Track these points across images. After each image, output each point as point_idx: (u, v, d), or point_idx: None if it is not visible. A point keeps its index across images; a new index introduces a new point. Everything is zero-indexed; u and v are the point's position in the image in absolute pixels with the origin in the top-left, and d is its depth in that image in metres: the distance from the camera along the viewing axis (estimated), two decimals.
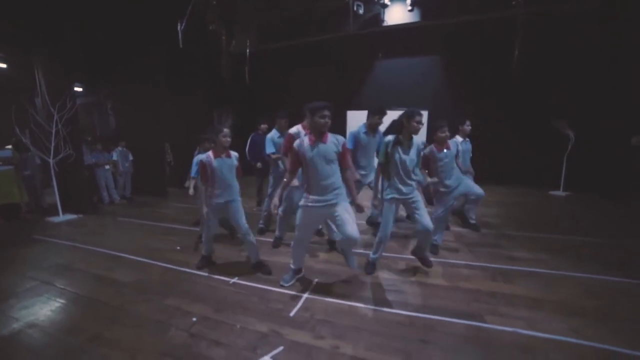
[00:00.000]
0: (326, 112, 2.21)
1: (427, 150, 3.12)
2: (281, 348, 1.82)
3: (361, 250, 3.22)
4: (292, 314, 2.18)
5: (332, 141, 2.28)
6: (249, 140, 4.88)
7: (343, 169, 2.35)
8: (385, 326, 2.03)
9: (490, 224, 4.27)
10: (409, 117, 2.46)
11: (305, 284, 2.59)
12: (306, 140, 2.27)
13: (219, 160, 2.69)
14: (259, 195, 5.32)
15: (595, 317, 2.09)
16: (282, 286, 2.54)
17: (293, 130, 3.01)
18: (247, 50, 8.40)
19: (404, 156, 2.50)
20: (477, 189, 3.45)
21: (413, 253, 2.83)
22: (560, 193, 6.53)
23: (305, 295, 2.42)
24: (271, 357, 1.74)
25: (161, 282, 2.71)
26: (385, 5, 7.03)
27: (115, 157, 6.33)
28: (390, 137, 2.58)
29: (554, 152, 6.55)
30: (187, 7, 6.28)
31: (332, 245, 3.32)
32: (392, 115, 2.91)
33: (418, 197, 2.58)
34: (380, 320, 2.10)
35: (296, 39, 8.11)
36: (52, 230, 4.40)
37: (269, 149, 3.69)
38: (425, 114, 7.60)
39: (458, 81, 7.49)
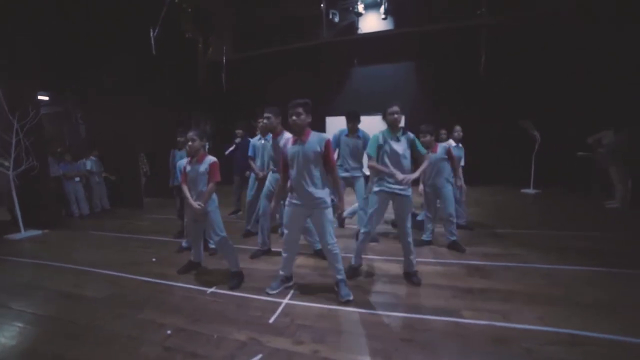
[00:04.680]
0: (295, 110, 2.19)
1: None
2: (260, 356, 1.77)
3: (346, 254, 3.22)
4: (271, 320, 2.14)
5: (314, 141, 2.22)
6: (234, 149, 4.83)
7: (327, 169, 2.29)
8: (366, 327, 2.04)
9: (468, 223, 4.40)
10: (384, 114, 2.56)
11: (285, 290, 2.55)
12: (290, 140, 2.30)
13: (190, 166, 2.68)
14: (236, 204, 5.24)
15: (557, 304, 2.21)
16: (268, 294, 2.47)
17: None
18: (224, 58, 8.35)
19: (394, 146, 2.50)
20: (448, 208, 3.34)
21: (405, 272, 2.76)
22: (530, 191, 6.88)
23: (285, 301, 2.39)
24: None
25: (135, 296, 2.58)
26: (359, 14, 7.25)
27: (89, 166, 6.04)
28: (379, 132, 2.62)
29: (523, 151, 6.90)
30: (159, 14, 6.16)
31: (317, 254, 3.22)
32: (371, 120, 2.98)
33: (409, 192, 2.52)
34: (360, 322, 2.10)
35: (272, 46, 8.17)
36: (11, 248, 4.08)
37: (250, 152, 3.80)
38: (402, 119, 7.83)
39: (432, 86, 7.78)
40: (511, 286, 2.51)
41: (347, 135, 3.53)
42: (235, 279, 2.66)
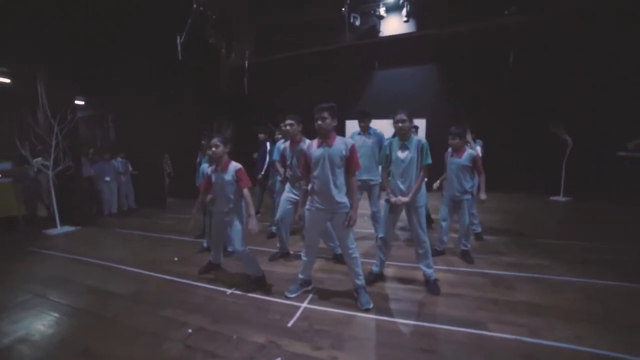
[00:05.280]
0: (321, 114, 2.20)
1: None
2: (279, 359, 1.77)
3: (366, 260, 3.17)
4: (290, 324, 2.13)
5: (340, 145, 2.23)
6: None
7: (348, 173, 2.29)
8: (386, 335, 1.99)
9: (492, 230, 4.23)
10: (393, 122, 2.52)
11: (303, 294, 2.54)
12: (315, 143, 2.30)
13: (215, 175, 2.62)
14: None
15: (597, 323, 2.04)
16: (287, 297, 2.48)
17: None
18: (246, 62, 8.55)
19: (400, 154, 2.49)
20: (463, 218, 3.17)
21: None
22: (560, 198, 6.52)
23: (304, 305, 2.38)
24: None
25: (158, 294, 2.67)
26: (381, 17, 7.19)
27: (117, 166, 6.36)
28: (389, 140, 2.64)
29: (553, 157, 6.56)
30: (185, 21, 6.41)
31: (337, 259, 3.20)
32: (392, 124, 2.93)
33: (421, 202, 2.51)
34: (380, 330, 2.05)
35: (294, 50, 8.27)
36: (49, 242, 4.36)
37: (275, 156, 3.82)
38: (422, 122, 7.67)
39: (455, 89, 7.58)
40: (539, 299, 2.38)
41: (359, 134, 3.61)
42: (255, 283, 2.67)
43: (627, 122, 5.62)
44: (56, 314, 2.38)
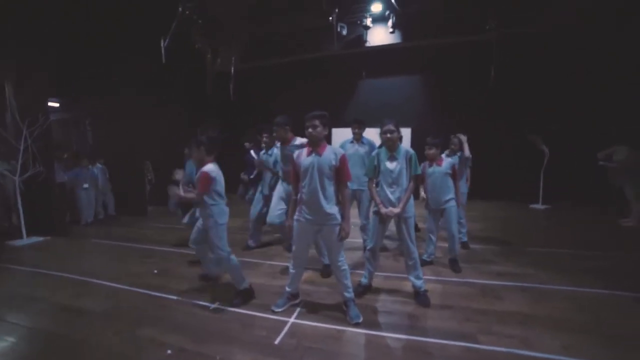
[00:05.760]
0: (312, 122, 2.14)
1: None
2: None
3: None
4: (277, 341, 2.03)
5: (330, 155, 2.16)
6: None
7: (340, 184, 2.22)
8: (376, 351, 1.92)
9: (478, 239, 4.27)
10: (380, 132, 2.52)
11: (290, 308, 2.44)
12: (304, 152, 2.23)
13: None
14: None
15: (584, 332, 2.06)
16: (273, 311, 2.37)
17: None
18: (232, 68, 8.45)
19: (389, 165, 2.47)
20: (451, 226, 3.14)
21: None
22: (539, 206, 6.74)
23: (291, 320, 2.28)
24: None
25: (134, 310, 2.49)
26: (367, 27, 7.30)
27: (96, 173, 6.04)
28: (375, 151, 2.60)
29: (531, 166, 6.79)
30: (170, 24, 6.26)
31: (325, 270, 3.09)
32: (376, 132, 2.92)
33: (409, 213, 2.50)
34: (370, 345, 1.98)
35: (281, 57, 8.25)
36: (12, 254, 4.02)
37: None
38: (408, 130, 7.79)
39: (439, 99, 7.76)
40: (529, 309, 2.38)
41: (351, 142, 3.57)
42: (241, 297, 2.54)
43: (602, 132, 5.88)
44: (12, 339, 2.13)
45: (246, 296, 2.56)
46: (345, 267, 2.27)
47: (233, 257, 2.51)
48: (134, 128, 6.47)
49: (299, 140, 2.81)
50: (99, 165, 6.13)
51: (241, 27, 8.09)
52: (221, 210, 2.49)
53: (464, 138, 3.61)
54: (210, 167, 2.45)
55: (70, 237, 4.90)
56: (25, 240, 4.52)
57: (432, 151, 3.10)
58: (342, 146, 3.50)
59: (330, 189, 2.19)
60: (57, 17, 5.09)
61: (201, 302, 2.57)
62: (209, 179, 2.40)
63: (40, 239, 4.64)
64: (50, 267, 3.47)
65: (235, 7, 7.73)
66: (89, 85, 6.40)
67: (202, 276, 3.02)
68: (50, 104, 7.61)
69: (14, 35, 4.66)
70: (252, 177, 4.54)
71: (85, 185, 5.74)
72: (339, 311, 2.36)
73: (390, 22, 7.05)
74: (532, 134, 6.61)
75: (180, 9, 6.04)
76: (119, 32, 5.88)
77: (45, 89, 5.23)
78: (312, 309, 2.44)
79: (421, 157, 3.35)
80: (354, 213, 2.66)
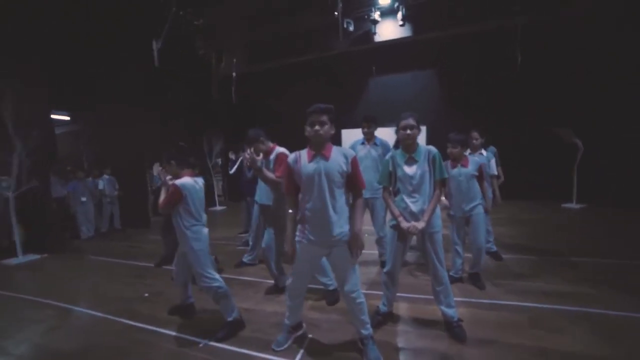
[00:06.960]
0: (319, 117, 1.68)
1: None
2: None
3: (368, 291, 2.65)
4: None
5: (338, 158, 1.71)
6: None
7: (354, 195, 1.80)
8: None
9: (507, 248, 3.67)
10: (396, 129, 2.08)
11: (296, 343, 2.01)
12: (304, 155, 1.77)
13: None
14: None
15: None
16: (274, 350, 1.94)
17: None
18: (233, 72, 8.23)
19: (407, 170, 2.00)
20: (478, 237, 2.66)
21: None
22: (573, 205, 6.07)
23: (297, 358, 1.85)
24: None
25: (113, 349, 2.12)
26: (375, 21, 6.88)
27: (101, 185, 5.82)
28: (389, 154, 2.13)
29: (562, 162, 6.15)
30: (167, 28, 6.05)
31: (330, 299, 2.55)
32: (390, 132, 2.48)
33: (437, 227, 2.02)
34: None
35: (286, 58, 7.94)
36: (1, 275, 3.77)
37: None
38: (423, 129, 7.27)
39: (456, 94, 7.21)
40: (603, 349, 1.82)
41: (362, 144, 3.13)
42: (227, 329, 2.13)
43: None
44: None
45: (234, 328, 2.15)
46: (362, 299, 1.80)
47: (222, 284, 2.12)
48: (134, 137, 6.26)
49: (279, 150, 2.49)
50: (105, 176, 5.91)
51: (244, 31, 7.86)
52: (195, 234, 2.09)
53: None
54: (184, 182, 2.06)
55: (67, 254, 4.64)
56: (21, 259, 4.29)
57: (457, 150, 2.61)
58: (352, 148, 3.05)
59: (342, 200, 1.74)
60: (55, 25, 4.93)
61: (190, 337, 2.17)
62: (177, 194, 2.02)
63: (37, 257, 4.40)
64: (36, 292, 3.16)
65: (238, 11, 7.52)
66: (91, 96, 6.24)
67: (172, 309, 2.54)
68: (60, 117, 7.60)
69: (8, 48, 4.49)
70: (232, 172, 4.38)
71: (83, 199, 5.52)
72: (353, 350, 1.91)
73: (399, 15, 6.61)
74: (562, 127, 5.97)
75: (174, 8, 5.80)
76: (118, 33, 5.69)
77: (43, 102, 5.02)
78: (320, 345, 2.00)
79: (444, 156, 2.89)
80: (366, 219, 2.22)
